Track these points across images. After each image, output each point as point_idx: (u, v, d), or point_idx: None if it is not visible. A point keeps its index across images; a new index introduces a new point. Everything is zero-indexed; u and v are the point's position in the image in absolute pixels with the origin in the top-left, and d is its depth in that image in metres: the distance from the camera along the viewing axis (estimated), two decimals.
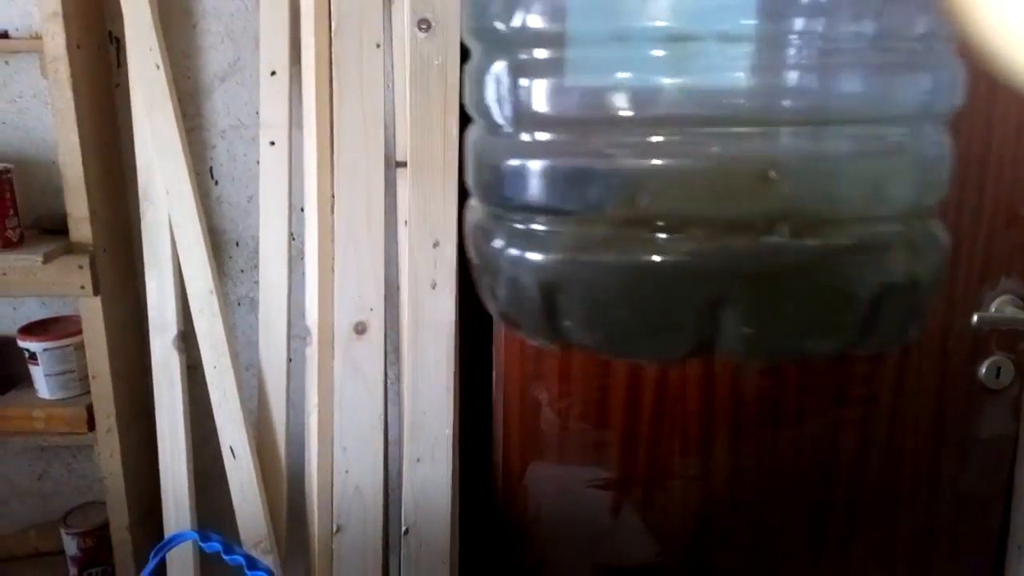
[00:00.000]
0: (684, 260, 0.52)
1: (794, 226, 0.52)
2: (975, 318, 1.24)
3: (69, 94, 1.26)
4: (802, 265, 0.52)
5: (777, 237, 0.51)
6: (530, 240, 0.59)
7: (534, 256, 0.59)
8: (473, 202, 0.70)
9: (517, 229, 0.60)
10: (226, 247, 1.46)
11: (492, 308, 0.68)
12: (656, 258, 0.54)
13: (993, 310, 1.24)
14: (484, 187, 0.66)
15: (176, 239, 1.32)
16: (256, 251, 1.38)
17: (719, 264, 0.52)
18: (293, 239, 1.36)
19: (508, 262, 0.60)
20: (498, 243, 0.61)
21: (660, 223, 0.53)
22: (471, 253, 0.69)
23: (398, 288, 1.35)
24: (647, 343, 0.60)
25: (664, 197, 0.54)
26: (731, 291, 0.51)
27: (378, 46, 1.27)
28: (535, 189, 0.60)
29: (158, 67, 1.26)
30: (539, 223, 0.59)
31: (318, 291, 1.32)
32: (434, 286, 1.31)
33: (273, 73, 1.30)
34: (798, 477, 1.33)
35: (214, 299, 1.33)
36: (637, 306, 0.55)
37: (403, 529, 1.37)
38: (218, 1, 1.35)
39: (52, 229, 1.37)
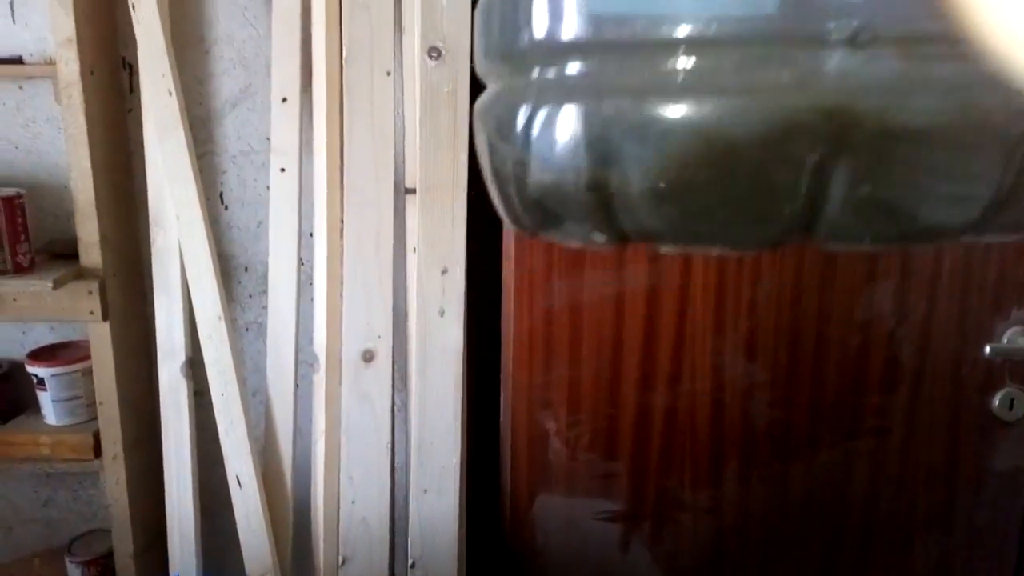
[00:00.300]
0: (784, 100, 0.41)
1: (920, 50, 0.40)
2: (988, 349, 1.23)
3: (82, 119, 1.27)
4: (933, 105, 0.41)
5: (897, 61, 0.40)
6: (573, 91, 0.46)
7: (580, 109, 0.45)
8: (486, 93, 0.56)
9: (554, 81, 0.47)
10: (235, 272, 1.46)
11: (515, 206, 0.52)
12: (748, 98, 0.41)
13: (1006, 341, 1.23)
14: (509, 38, 0.51)
15: (185, 264, 1.32)
16: (265, 277, 1.38)
17: (828, 103, 0.40)
18: (302, 265, 1.36)
19: (544, 127, 0.46)
20: (527, 109, 0.48)
21: (751, 50, 0.41)
22: (486, 143, 0.54)
23: (406, 315, 1.35)
24: (731, 223, 0.47)
25: (751, 15, 0.41)
26: (843, 140, 0.40)
27: (388, 74, 1.27)
28: (582, 17, 0.45)
29: (170, 93, 1.27)
30: (586, 65, 0.46)
31: (326, 317, 1.32)
32: (442, 313, 1.30)
33: (284, 100, 1.31)
34: (810, 510, 1.31)
35: (222, 325, 1.32)
36: (720, 170, 0.42)
37: (409, 562, 1.36)
38: (231, 28, 1.36)
39: (62, 254, 1.37)
